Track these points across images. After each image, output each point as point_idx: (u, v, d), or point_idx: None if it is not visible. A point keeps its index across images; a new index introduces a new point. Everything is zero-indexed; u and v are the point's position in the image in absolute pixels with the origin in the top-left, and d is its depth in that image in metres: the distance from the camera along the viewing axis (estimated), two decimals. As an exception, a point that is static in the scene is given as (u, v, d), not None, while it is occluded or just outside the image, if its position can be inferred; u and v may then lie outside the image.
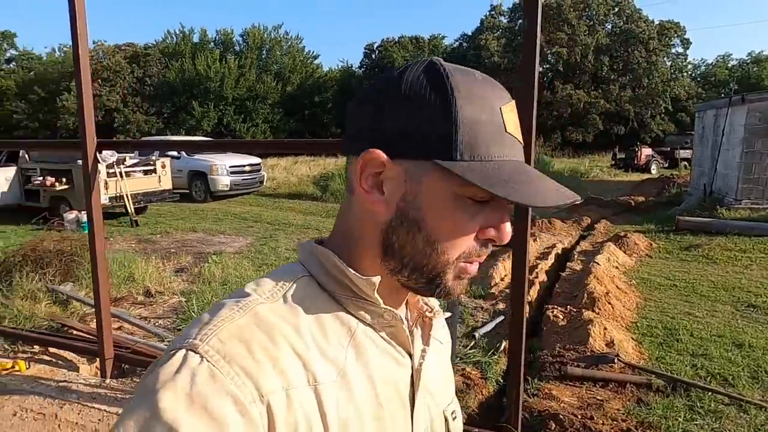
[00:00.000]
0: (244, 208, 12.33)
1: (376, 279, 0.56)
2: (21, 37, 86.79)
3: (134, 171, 10.76)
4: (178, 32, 38.46)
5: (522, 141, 0.56)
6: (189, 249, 7.90)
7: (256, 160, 14.31)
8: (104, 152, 11.32)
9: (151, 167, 11.06)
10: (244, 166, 13.80)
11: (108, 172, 10.08)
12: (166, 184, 11.35)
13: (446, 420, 0.68)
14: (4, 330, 4.15)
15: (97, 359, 3.59)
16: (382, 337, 0.59)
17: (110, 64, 37.13)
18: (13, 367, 3.62)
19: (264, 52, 38.27)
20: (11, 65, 44.64)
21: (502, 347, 3.95)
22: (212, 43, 38.39)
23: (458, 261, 0.56)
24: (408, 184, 0.54)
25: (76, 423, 3.00)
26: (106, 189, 9.99)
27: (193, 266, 6.63)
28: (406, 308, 0.66)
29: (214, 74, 34.49)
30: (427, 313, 0.66)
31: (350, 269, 0.57)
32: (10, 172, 10.81)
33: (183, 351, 0.48)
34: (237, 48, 38.73)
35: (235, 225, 10.10)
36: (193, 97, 34.74)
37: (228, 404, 0.45)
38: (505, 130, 0.53)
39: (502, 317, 4.64)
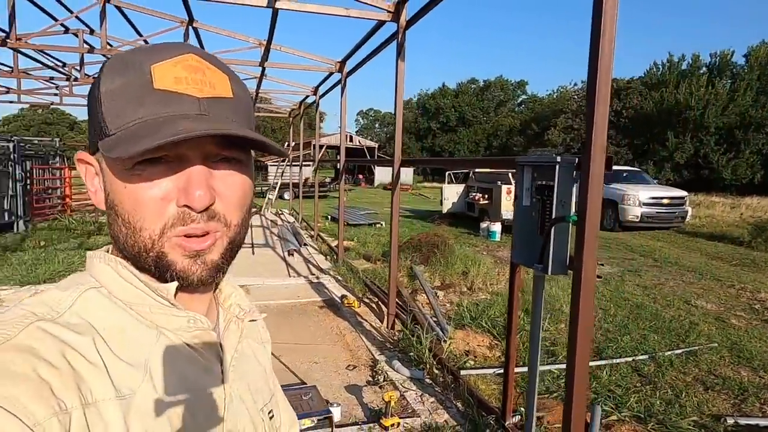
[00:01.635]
0: (647, 241, 11.52)
1: (172, 285, 0.54)
2: (531, 84, 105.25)
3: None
4: (665, 62, 37.27)
5: (198, 90, 0.51)
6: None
7: (679, 193, 12.91)
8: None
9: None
10: (661, 198, 12.78)
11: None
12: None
13: (263, 420, 0.65)
14: (369, 284, 6.35)
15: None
16: (187, 344, 0.56)
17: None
18: (352, 304, 5.64)
19: (769, 71, 31.86)
20: (521, 107, 54.96)
21: None
22: (704, 68, 35.09)
23: (166, 234, 0.52)
24: (102, 174, 0.55)
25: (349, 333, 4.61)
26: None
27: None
28: (218, 311, 0.64)
29: (696, 102, 31.62)
30: (238, 315, 0.63)
31: (144, 276, 0.54)
32: (461, 188, 14.29)
33: None
34: (733, 70, 33.91)
35: (615, 254, 9.84)
36: (669, 127, 33.02)
37: None
38: (153, 88, 0.50)
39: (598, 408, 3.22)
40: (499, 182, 12.16)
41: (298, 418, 2.89)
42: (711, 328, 5.24)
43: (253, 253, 8.95)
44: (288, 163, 18.78)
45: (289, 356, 4.18)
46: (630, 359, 4.28)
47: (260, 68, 8.14)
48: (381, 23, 5.12)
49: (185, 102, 0.51)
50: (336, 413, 3.14)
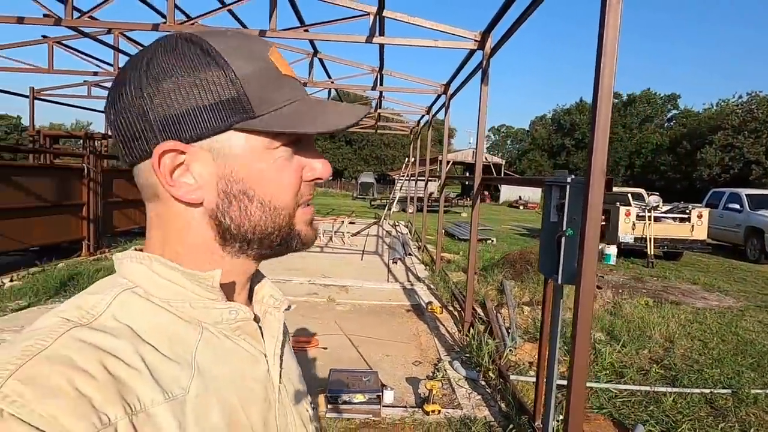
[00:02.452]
0: (798, 277, 10.07)
1: (216, 272, 0.53)
2: (684, 97, 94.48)
3: (666, 217, 11.25)
4: None
5: (292, 74, 0.55)
6: (660, 294, 8.05)
7: None
8: (652, 197, 12.43)
9: (686, 216, 11.16)
10: (822, 228, 11.05)
11: (638, 215, 11.14)
12: (699, 234, 11.08)
13: (307, 410, 0.65)
14: (455, 293, 6.73)
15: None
16: (231, 337, 0.55)
17: (761, 114, 35.12)
18: (434, 310, 6.07)
19: None
20: (671, 123, 49.98)
21: None
22: None
23: (298, 208, 0.56)
24: (218, 162, 0.51)
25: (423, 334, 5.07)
26: (633, 229, 11.11)
27: (625, 298, 7.04)
28: (252, 304, 0.62)
29: None
30: (274, 305, 0.62)
31: (186, 269, 0.53)
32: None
33: None
34: None
35: (749, 288, 8.84)
36: None
37: None
38: (282, 73, 0.53)
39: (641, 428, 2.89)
40: (618, 203, 11.56)
41: (353, 393, 3.46)
42: (830, 373, 4.68)
43: (362, 258, 9.76)
44: (411, 178, 19.60)
45: (366, 348, 4.75)
46: (707, 391, 4.09)
47: (378, 92, 8.98)
48: (471, 52, 5.53)
49: (300, 86, 0.56)
50: (388, 396, 3.61)
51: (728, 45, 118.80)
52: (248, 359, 0.56)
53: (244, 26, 6.32)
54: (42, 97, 11.62)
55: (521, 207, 35.12)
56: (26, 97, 11.48)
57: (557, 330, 2.77)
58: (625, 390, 4.02)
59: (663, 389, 4.04)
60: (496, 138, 75.11)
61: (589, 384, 4.09)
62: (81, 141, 9.27)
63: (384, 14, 5.26)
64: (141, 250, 0.56)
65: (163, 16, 6.05)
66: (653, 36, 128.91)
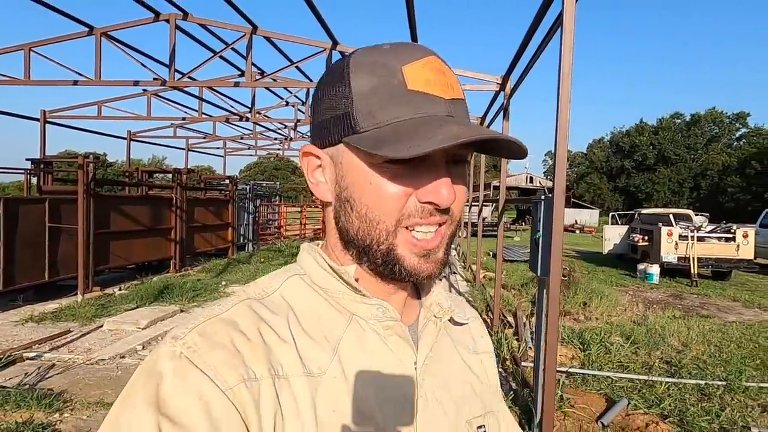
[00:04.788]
0: None
1: (350, 268, 0.58)
2: (754, 116, 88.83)
3: (710, 236, 11.42)
4: None
5: (443, 92, 0.54)
6: (696, 309, 8.41)
7: None
8: (698, 218, 12.61)
9: (731, 235, 11.29)
10: None
11: (680, 235, 11.40)
12: (745, 253, 11.15)
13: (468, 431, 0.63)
14: (490, 304, 7.51)
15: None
16: (378, 333, 0.58)
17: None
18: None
19: None
20: (740, 143, 47.81)
21: None
22: None
23: (399, 228, 0.55)
24: (337, 168, 0.57)
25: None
26: (676, 248, 11.37)
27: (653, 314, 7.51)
28: (420, 309, 0.64)
29: None
30: (436, 314, 0.63)
31: (330, 261, 0.59)
32: (624, 229, 14.08)
33: (167, 342, 0.51)
34: None
35: (790, 305, 8.95)
36: None
37: (194, 402, 0.46)
38: (407, 89, 0.52)
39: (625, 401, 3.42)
40: (660, 224, 11.86)
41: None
42: (834, 374, 5.06)
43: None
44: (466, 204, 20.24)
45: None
46: (702, 382, 4.65)
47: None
48: (497, 93, 6.46)
49: (436, 103, 0.53)
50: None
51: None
52: (392, 359, 0.57)
53: (311, 80, 7.57)
54: (136, 139, 13.59)
55: (577, 231, 34.75)
56: (124, 138, 13.48)
57: (542, 316, 3.58)
58: (625, 378, 4.67)
59: (659, 378, 4.66)
60: (552, 161, 74.25)
61: (592, 372, 4.78)
62: (171, 176, 10.91)
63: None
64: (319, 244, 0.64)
65: (242, 72, 7.41)
66: (720, 49, 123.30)
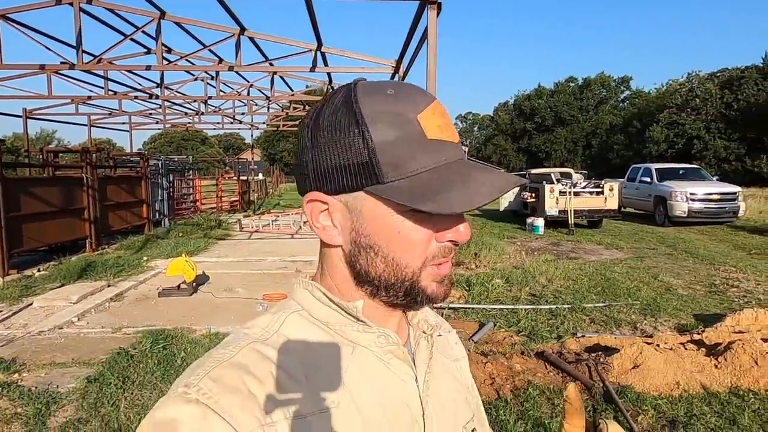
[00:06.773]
0: (687, 234, 12.23)
1: (359, 303, 0.60)
2: (636, 79, 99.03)
3: (584, 191, 13.32)
4: (783, 47, 34.19)
5: (452, 136, 0.56)
6: (567, 253, 10.05)
7: (731, 189, 13.29)
8: (576, 175, 14.51)
9: (600, 189, 13.24)
10: (711, 194, 13.28)
11: (560, 191, 13.16)
12: (612, 204, 13.18)
13: None
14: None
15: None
16: (381, 358, 0.60)
17: (700, 92, 37.98)
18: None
19: None
20: (624, 104, 52.86)
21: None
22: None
23: (425, 267, 0.58)
24: (352, 216, 0.57)
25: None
26: (557, 203, 13.15)
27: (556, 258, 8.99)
28: (408, 328, 0.67)
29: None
30: (426, 331, 0.66)
31: (336, 297, 0.60)
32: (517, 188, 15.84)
33: (179, 390, 0.51)
34: None
35: (640, 244, 10.93)
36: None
37: None
38: (427, 138, 0.54)
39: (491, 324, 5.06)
40: (545, 182, 13.58)
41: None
42: (651, 293, 6.64)
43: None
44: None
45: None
46: (554, 307, 5.98)
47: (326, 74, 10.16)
48: (392, 76, 7.32)
49: (451, 148, 0.56)
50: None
51: (679, 24, 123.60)
52: (396, 382, 0.60)
53: (221, 60, 7.94)
54: (33, 116, 12.99)
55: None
56: (19, 117, 12.83)
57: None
58: (496, 308, 5.90)
59: (521, 306, 5.93)
60: (463, 125, 77.40)
61: (470, 306, 5.96)
62: (79, 155, 10.80)
63: (323, 50, 6.99)
64: (313, 278, 0.65)
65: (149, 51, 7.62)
66: (607, 21, 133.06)
